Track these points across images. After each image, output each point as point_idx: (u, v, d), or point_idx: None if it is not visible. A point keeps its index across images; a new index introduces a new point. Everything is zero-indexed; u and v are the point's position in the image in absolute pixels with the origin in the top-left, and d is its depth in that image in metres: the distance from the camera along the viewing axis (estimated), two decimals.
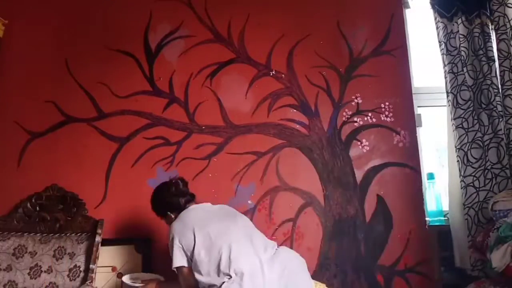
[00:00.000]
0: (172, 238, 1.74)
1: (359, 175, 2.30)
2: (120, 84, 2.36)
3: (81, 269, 1.99)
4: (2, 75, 2.36)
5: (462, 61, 2.26)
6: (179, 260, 1.71)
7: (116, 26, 2.44)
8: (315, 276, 2.11)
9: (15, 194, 2.21)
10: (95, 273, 1.98)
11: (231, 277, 1.60)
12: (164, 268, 2.14)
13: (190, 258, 1.70)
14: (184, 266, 1.71)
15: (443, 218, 2.30)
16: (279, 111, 2.36)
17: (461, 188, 2.16)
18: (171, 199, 1.89)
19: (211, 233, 1.70)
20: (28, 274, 1.97)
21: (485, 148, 2.16)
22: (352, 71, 2.41)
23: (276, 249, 1.75)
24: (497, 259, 1.68)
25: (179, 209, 1.86)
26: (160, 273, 2.13)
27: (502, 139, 2.15)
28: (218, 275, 1.62)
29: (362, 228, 2.23)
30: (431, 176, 2.34)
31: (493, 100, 2.18)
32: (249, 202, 2.27)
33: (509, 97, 2.14)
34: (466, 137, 2.18)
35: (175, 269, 1.73)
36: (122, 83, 2.36)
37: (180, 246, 1.71)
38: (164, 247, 2.17)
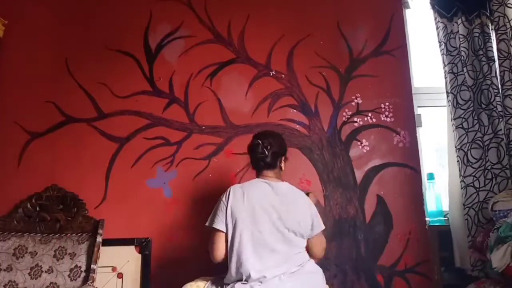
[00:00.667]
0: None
1: (359, 175, 2.30)
2: (120, 84, 2.36)
3: (82, 269, 1.99)
4: (2, 75, 2.36)
5: (462, 61, 2.26)
6: None
7: (116, 26, 2.44)
8: None
9: (15, 194, 2.21)
10: (96, 273, 1.98)
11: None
12: (165, 268, 2.15)
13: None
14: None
15: (443, 218, 2.30)
16: (279, 111, 2.36)
17: (461, 188, 2.17)
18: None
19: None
20: (29, 274, 1.97)
21: (485, 148, 2.16)
22: (352, 71, 2.41)
23: (301, 265, 1.67)
24: (497, 259, 1.68)
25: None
26: (160, 273, 2.13)
27: (502, 139, 2.15)
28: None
29: (362, 228, 2.23)
30: (431, 176, 2.34)
31: (493, 100, 2.18)
32: None
33: (509, 97, 2.14)
34: (466, 137, 2.18)
35: None
36: (122, 83, 2.36)
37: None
38: (164, 247, 2.19)
